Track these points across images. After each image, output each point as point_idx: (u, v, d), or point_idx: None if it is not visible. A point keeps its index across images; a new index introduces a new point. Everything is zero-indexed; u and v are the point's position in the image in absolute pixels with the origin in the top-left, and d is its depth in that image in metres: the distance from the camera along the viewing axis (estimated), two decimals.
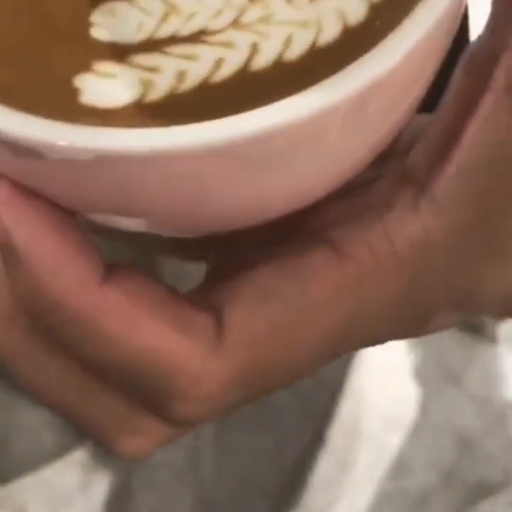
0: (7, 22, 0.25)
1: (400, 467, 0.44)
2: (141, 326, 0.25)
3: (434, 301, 0.27)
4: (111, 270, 0.25)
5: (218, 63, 0.25)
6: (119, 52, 0.25)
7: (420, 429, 0.44)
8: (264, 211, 0.26)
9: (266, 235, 0.27)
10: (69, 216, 0.25)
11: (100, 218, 0.26)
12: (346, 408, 0.43)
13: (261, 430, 0.43)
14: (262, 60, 0.25)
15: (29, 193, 0.25)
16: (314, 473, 0.44)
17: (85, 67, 0.24)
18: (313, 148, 0.24)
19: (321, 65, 0.24)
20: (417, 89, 0.26)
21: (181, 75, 0.24)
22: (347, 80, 0.23)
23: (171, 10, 0.25)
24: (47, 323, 0.25)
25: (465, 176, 0.26)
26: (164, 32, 0.25)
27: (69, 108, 0.24)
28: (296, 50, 0.25)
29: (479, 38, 0.27)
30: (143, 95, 0.24)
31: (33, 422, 0.45)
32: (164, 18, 0.25)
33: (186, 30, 0.25)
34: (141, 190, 0.24)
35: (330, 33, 0.25)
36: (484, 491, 0.44)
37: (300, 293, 0.25)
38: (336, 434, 0.44)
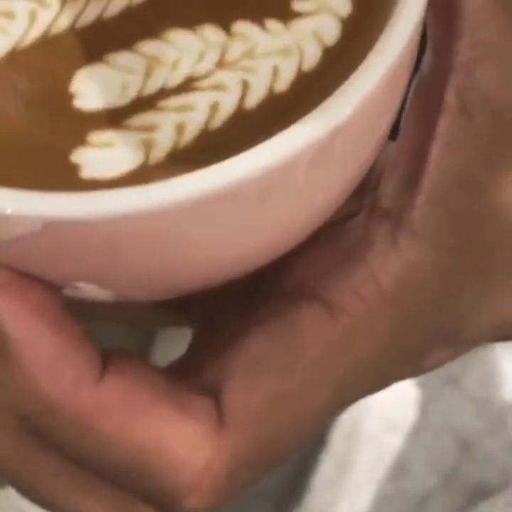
0: None
1: (399, 468, 0.44)
2: (140, 423, 0.24)
3: (427, 337, 0.26)
4: (106, 362, 0.24)
5: (213, 108, 0.24)
6: (111, 118, 0.24)
7: (420, 431, 0.44)
8: (241, 264, 0.25)
9: (248, 288, 0.27)
10: (64, 306, 0.24)
11: (78, 291, 0.25)
12: (346, 410, 0.42)
13: None
14: (255, 97, 0.24)
15: (24, 280, 0.23)
16: (315, 474, 0.44)
17: (79, 141, 0.23)
18: (283, 195, 0.23)
19: (310, 92, 0.24)
20: (385, 123, 0.25)
21: (180, 128, 0.23)
22: (313, 125, 0.22)
23: (153, 63, 0.24)
24: (40, 424, 0.24)
25: (437, 200, 0.25)
26: (152, 87, 0.24)
27: (70, 187, 0.23)
28: (284, 81, 0.24)
29: (425, 61, 0.26)
30: (147, 157, 0.23)
31: None
32: (148, 73, 0.24)
33: (174, 80, 0.24)
34: (114, 253, 0.23)
35: (311, 57, 0.24)
36: (484, 491, 0.44)
37: (295, 358, 0.25)
38: (337, 436, 0.44)
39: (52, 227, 0.22)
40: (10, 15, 0.25)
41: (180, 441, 0.24)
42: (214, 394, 0.24)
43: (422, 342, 0.26)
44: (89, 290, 0.25)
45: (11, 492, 0.41)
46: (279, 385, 0.24)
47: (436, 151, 0.25)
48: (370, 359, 0.25)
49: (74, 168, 0.23)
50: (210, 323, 0.29)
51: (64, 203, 0.22)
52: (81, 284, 0.24)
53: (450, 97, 0.25)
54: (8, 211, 0.22)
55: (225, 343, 0.25)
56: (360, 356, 0.25)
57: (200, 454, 0.24)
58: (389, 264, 0.25)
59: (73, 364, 0.23)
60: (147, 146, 0.23)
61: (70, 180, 0.23)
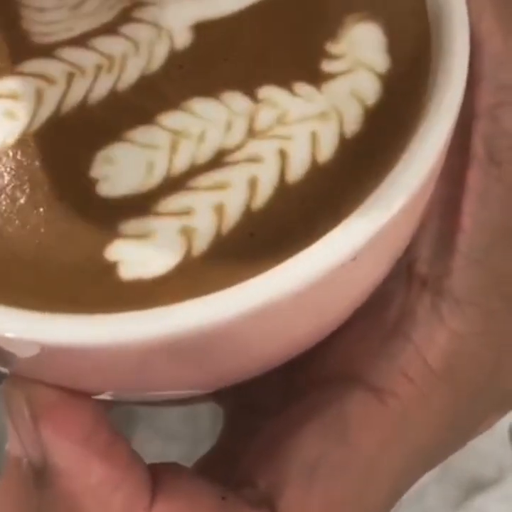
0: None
1: None
2: None
3: (482, 408, 0.24)
4: (157, 482, 0.21)
5: (252, 183, 0.20)
6: (141, 204, 0.20)
7: None
8: (288, 354, 0.22)
9: (284, 371, 0.24)
10: (110, 425, 0.21)
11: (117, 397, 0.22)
12: None
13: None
14: (296, 168, 0.21)
15: (71, 401, 0.20)
16: None
17: (110, 234, 0.20)
18: (344, 284, 0.20)
19: (357, 159, 0.20)
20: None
21: (219, 210, 0.20)
22: (375, 213, 0.19)
23: (177, 137, 0.21)
24: None
25: (477, 261, 0.23)
26: (180, 164, 0.21)
27: (111, 292, 0.19)
28: (326, 147, 0.21)
29: None
30: (189, 248, 0.20)
31: None
32: (174, 148, 0.21)
33: (203, 155, 0.21)
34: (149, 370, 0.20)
35: (352, 119, 0.21)
36: (478, 485, 0.42)
37: (349, 456, 0.22)
38: None
39: (101, 352, 0.19)
40: (14, 96, 0.22)
41: None
42: (269, 503, 0.22)
43: (478, 413, 0.24)
44: (128, 396, 0.22)
45: None
46: (337, 486, 0.22)
47: (468, 206, 0.23)
48: (425, 442, 0.23)
49: (111, 269, 0.20)
50: (244, 406, 0.25)
51: (116, 326, 0.18)
52: (124, 393, 0.21)
53: (477, 147, 0.23)
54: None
55: (273, 443, 0.23)
56: (415, 441, 0.23)
57: None
58: (435, 339, 0.23)
59: (123, 493, 0.21)
60: (187, 235, 0.20)
61: (109, 282, 0.19)
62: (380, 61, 0.21)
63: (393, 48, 0.22)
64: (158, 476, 0.22)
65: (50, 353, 0.19)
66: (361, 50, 0.22)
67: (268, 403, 0.25)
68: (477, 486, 0.42)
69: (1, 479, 0.22)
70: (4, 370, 0.21)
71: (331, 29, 0.22)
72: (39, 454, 0.20)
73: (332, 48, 0.22)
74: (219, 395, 0.27)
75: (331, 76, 0.22)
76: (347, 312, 0.22)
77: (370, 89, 0.21)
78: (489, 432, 0.42)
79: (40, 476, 0.21)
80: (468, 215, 0.23)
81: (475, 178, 0.23)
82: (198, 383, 0.22)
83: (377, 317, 0.23)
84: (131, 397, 0.23)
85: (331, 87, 0.21)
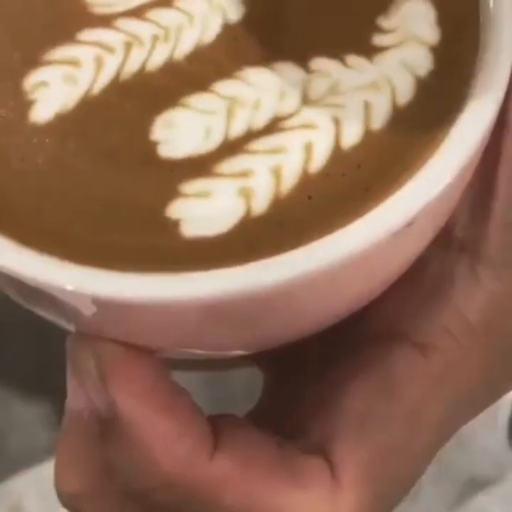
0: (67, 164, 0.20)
1: None
2: (258, 495, 0.21)
3: None
4: (217, 433, 0.22)
5: (308, 148, 0.21)
6: (200, 165, 0.20)
7: None
8: (340, 315, 0.22)
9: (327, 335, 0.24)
10: (175, 382, 0.21)
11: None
12: None
13: None
14: (351, 134, 0.21)
15: (136, 357, 0.20)
16: None
17: (172, 193, 0.20)
18: (402, 246, 0.21)
19: (409, 129, 0.21)
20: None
21: (277, 172, 0.20)
22: (430, 182, 0.20)
23: (233, 104, 0.21)
24: (157, 500, 0.21)
25: (511, 225, 0.23)
26: (237, 129, 0.21)
27: (173, 248, 0.19)
28: (380, 116, 0.21)
29: None
30: (248, 208, 0.20)
31: (29, 419, 0.43)
32: (230, 115, 0.21)
33: (259, 121, 0.21)
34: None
35: (404, 90, 0.21)
36: (477, 485, 0.43)
37: (396, 407, 0.23)
38: None
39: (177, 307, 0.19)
40: (75, 62, 0.22)
41: (299, 507, 0.21)
42: (323, 452, 0.22)
43: (511, 369, 0.25)
44: (188, 353, 0.22)
45: (7, 485, 0.40)
46: (385, 436, 0.23)
47: (504, 174, 0.23)
48: (466, 393, 0.24)
49: (172, 225, 0.20)
50: (286, 368, 0.26)
51: (192, 283, 0.18)
52: (181, 353, 0.21)
53: None
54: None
55: (323, 398, 0.23)
56: (456, 392, 0.24)
57: None
58: (473, 298, 0.23)
59: (188, 440, 0.21)
60: (246, 196, 0.20)
61: (171, 239, 0.19)
62: (430, 34, 0.22)
63: (443, 22, 0.22)
64: (218, 427, 0.22)
65: (112, 309, 0.19)
66: (412, 24, 0.22)
67: (306, 366, 0.25)
68: (475, 485, 0.43)
69: (63, 432, 0.22)
70: (70, 327, 0.21)
71: (383, 4, 0.22)
72: (106, 406, 0.20)
73: (383, 22, 0.22)
74: (259, 360, 0.27)
75: (382, 49, 0.22)
76: (398, 274, 0.22)
77: (420, 61, 0.21)
78: (487, 429, 0.42)
79: (105, 426, 0.21)
80: (503, 184, 0.23)
81: (510, 148, 0.23)
82: (252, 343, 0.22)
83: (418, 278, 0.23)
84: (184, 356, 0.23)
85: (383, 58, 0.22)
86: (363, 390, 0.23)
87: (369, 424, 0.22)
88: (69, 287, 0.18)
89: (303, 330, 0.22)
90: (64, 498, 0.22)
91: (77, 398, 0.21)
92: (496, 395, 0.25)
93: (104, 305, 0.19)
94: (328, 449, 0.22)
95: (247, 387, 0.37)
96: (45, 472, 0.41)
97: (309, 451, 0.22)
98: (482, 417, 0.41)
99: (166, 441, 0.20)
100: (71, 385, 0.21)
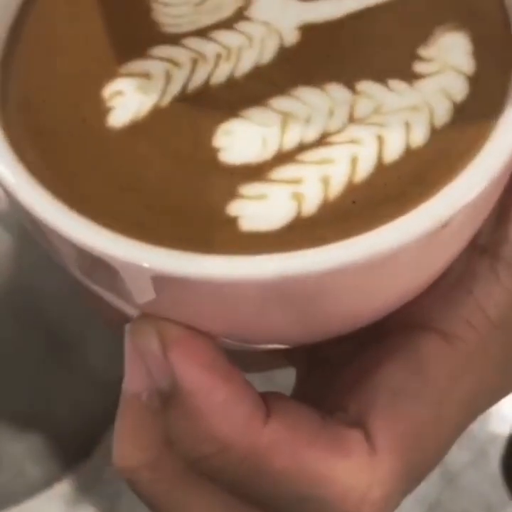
0: (138, 162, 0.23)
1: None
2: (306, 459, 0.23)
3: None
4: (268, 404, 0.24)
5: (354, 161, 0.23)
6: (257, 171, 0.23)
7: None
8: (383, 311, 0.25)
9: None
10: (228, 356, 0.23)
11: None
12: None
13: None
14: (392, 150, 0.23)
15: (193, 334, 0.23)
16: None
17: (232, 194, 0.22)
18: (438, 248, 0.23)
19: (447, 149, 0.23)
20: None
21: (326, 181, 0.23)
22: (469, 184, 0.22)
23: (287, 118, 0.24)
24: (214, 464, 0.23)
25: None
26: (290, 141, 0.23)
27: (232, 240, 0.21)
28: (419, 135, 0.23)
29: None
30: (299, 211, 0.22)
31: (17, 455, 0.42)
32: (284, 128, 0.23)
33: (310, 135, 0.23)
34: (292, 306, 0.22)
35: (442, 113, 0.23)
36: None
37: (426, 386, 0.25)
38: None
39: (230, 286, 0.21)
40: (147, 75, 0.24)
41: (342, 472, 0.23)
42: (361, 425, 0.24)
43: None
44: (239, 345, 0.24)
45: None
46: (416, 411, 0.25)
47: None
48: (487, 378, 0.26)
49: (232, 221, 0.22)
50: (316, 361, 0.28)
51: (242, 264, 0.21)
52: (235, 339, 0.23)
53: None
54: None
55: (358, 377, 0.25)
56: (479, 377, 0.26)
57: (359, 484, 0.24)
58: (493, 294, 0.26)
59: (243, 408, 0.23)
60: (297, 199, 0.22)
61: (230, 232, 0.22)
62: (466, 64, 0.24)
63: (478, 53, 0.24)
64: (270, 399, 0.24)
65: (180, 288, 0.21)
66: (449, 54, 0.24)
67: (336, 356, 0.27)
68: None
69: (120, 412, 0.24)
70: (132, 311, 0.23)
71: (423, 36, 0.25)
72: (168, 380, 0.22)
73: (423, 52, 0.24)
74: (291, 356, 0.29)
75: (422, 75, 0.24)
76: (439, 271, 0.24)
77: (457, 87, 0.24)
78: (478, 467, 0.43)
79: (166, 399, 0.23)
80: None
81: None
82: (295, 335, 0.24)
83: (443, 274, 0.26)
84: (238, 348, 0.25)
85: (422, 84, 0.24)
86: (394, 369, 0.25)
87: (401, 399, 0.25)
88: (145, 265, 0.21)
89: (344, 323, 0.24)
90: (125, 472, 0.24)
91: (136, 379, 0.23)
92: (510, 386, 0.27)
93: (172, 284, 0.21)
94: (364, 421, 0.24)
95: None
96: (33, 509, 0.41)
97: (348, 423, 0.24)
98: (473, 455, 0.43)
99: (225, 408, 0.22)
100: (130, 367, 0.23)
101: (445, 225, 0.21)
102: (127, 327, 0.24)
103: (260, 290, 0.21)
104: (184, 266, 0.20)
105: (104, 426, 0.42)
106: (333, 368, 0.27)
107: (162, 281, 0.21)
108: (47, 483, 0.42)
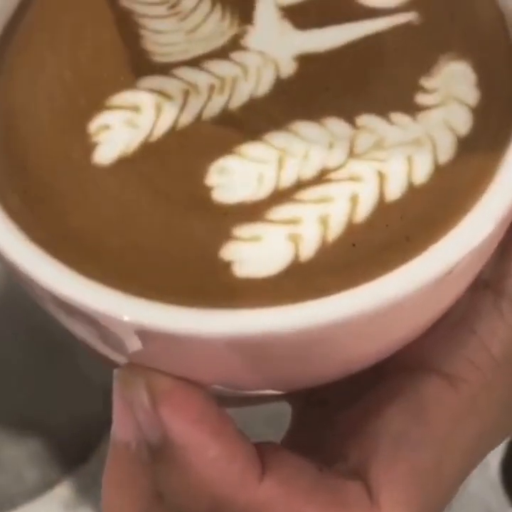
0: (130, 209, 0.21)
1: None
2: None
3: None
4: (263, 457, 0.23)
5: (354, 199, 0.22)
6: (252, 211, 0.21)
7: None
8: (380, 357, 0.24)
9: None
10: (223, 409, 0.22)
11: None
12: None
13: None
14: (394, 187, 0.22)
15: (185, 387, 0.21)
16: None
17: (226, 235, 0.21)
18: (439, 296, 0.22)
19: (451, 185, 0.22)
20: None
21: (324, 221, 0.21)
22: (475, 229, 0.21)
23: (284, 154, 0.22)
24: None
25: None
26: (287, 179, 0.22)
27: (226, 286, 0.20)
28: (422, 171, 0.22)
29: None
30: (296, 255, 0.21)
31: (15, 459, 0.42)
32: (281, 164, 0.22)
33: (308, 172, 0.22)
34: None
35: (445, 147, 0.22)
36: None
37: (428, 432, 0.24)
38: None
39: (232, 344, 0.20)
40: (136, 108, 0.23)
41: None
42: (361, 476, 0.23)
43: None
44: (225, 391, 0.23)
45: None
46: (418, 459, 0.24)
47: None
48: (491, 418, 0.25)
49: (225, 266, 0.21)
50: (313, 401, 0.27)
51: (243, 320, 0.19)
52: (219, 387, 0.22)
53: None
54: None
55: (358, 422, 0.24)
56: (483, 419, 0.25)
57: None
58: (497, 331, 0.25)
59: (237, 464, 0.22)
60: (294, 241, 0.21)
61: (223, 279, 0.20)
62: (471, 95, 0.23)
63: (483, 84, 0.23)
64: (263, 452, 0.23)
65: (164, 342, 0.20)
66: (453, 86, 0.23)
67: (335, 398, 0.26)
68: None
69: (109, 462, 0.23)
70: (120, 359, 0.22)
71: (426, 66, 0.23)
72: (158, 433, 0.21)
73: (426, 82, 0.23)
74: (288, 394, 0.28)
75: (425, 107, 0.23)
76: (439, 316, 0.23)
77: (461, 120, 0.23)
78: (478, 474, 0.42)
79: (156, 453, 0.21)
80: None
81: None
82: (292, 382, 0.23)
83: (446, 312, 0.24)
84: (230, 394, 0.24)
85: (425, 117, 0.23)
86: (396, 415, 0.24)
87: (403, 448, 0.23)
88: (126, 319, 0.19)
89: (343, 369, 0.23)
90: None
91: (125, 429, 0.22)
92: None
93: (157, 338, 0.20)
94: (364, 472, 0.23)
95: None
96: None
97: (347, 474, 0.23)
98: None
99: (218, 464, 0.21)
100: (119, 415, 0.22)
101: (451, 272, 0.20)
102: (115, 373, 0.22)
103: (254, 347, 0.19)
104: (170, 321, 0.19)
105: (102, 431, 0.42)
106: (331, 410, 0.26)
107: (147, 335, 0.20)
108: (45, 487, 0.42)
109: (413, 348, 0.24)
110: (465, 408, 0.24)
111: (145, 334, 0.20)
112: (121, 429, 0.22)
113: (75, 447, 0.43)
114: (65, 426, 0.43)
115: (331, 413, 0.26)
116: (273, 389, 0.24)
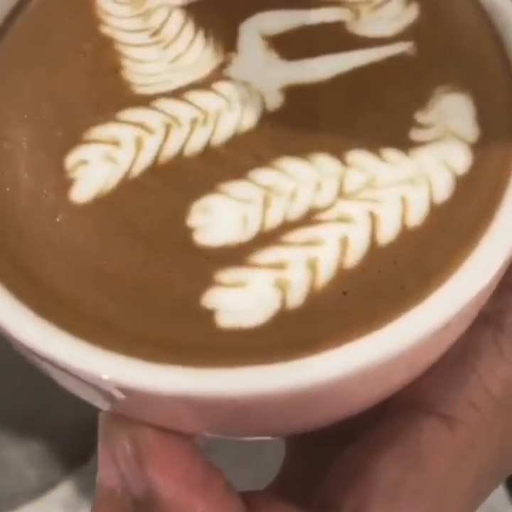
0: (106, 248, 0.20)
1: None
2: None
3: None
4: (251, 509, 0.22)
5: (344, 242, 0.20)
6: (236, 255, 0.20)
7: None
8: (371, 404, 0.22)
9: None
10: (209, 462, 0.21)
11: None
12: None
13: (241, 466, 0.39)
14: (387, 230, 0.21)
15: (171, 437, 0.20)
16: None
17: (208, 281, 0.20)
18: (435, 347, 0.21)
19: (448, 227, 0.20)
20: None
21: (313, 266, 0.20)
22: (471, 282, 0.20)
23: (270, 194, 0.21)
24: None
25: None
26: (273, 219, 0.21)
27: (209, 339, 0.19)
28: (416, 213, 0.21)
29: None
30: (283, 302, 0.19)
31: (16, 459, 0.42)
32: (267, 204, 0.21)
33: (295, 212, 0.21)
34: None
35: (442, 186, 0.21)
36: None
37: (425, 480, 0.23)
38: None
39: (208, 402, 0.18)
40: (116, 142, 0.22)
41: None
42: None
43: None
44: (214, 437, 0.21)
45: None
46: (416, 507, 0.23)
47: None
48: (490, 464, 0.24)
49: (208, 315, 0.19)
50: (306, 438, 0.25)
51: (219, 380, 0.18)
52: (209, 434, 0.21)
53: None
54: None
55: (354, 468, 0.23)
56: (482, 462, 0.24)
57: None
58: (497, 369, 0.24)
59: None
60: (282, 288, 0.20)
61: (206, 330, 0.19)
62: (468, 130, 0.22)
63: (482, 118, 0.22)
64: (251, 504, 0.22)
65: (146, 399, 0.19)
66: (450, 120, 0.22)
67: (329, 437, 0.25)
68: None
69: (95, 507, 0.22)
70: (104, 407, 0.21)
71: (421, 99, 0.22)
72: (143, 487, 0.20)
73: (421, 117, 0.22)
74: None
75: (420, 144, 0.22)
76: (433, 363, 0.22)
77: (459, 158, 0.21)
78: None
79: (140, 505, 0.21)
80: None
81: None
82: (282, 432, 0.22)
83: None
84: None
85: (420, 154, 0.21)
86: (392, 461, 0.23)
87: (401, 495, 0.22)
88: (104, 376, 0.18)
89: (337, 419, 0.22)
90: None
91: (110, 476, 0.21)
92: None
93: (137, 395, 0.18)
94: None
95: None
96: None
97: None
98: None
99: None
100: (104, 462, 0.21)
101: (447, 326, 0.19)
102: (100, 417, 0.21)
103: (239, 406, 0.18)
104: (148, 379, 0.18)
105: None
106: (325, 452, 0.24)
107: (127, 391, 0.18)
108: (45, 487, 0.42)
109: (411, 388, 0.23)
110: (464, 452, 0.23)
111: (123, 390, 0.18)
112: (107, 475, 0.21)
113: (75, 448, 0.43)
114: (66, 426, 0.43)
115: (324, 456, 0.24)
116: (262, 436, 0.23)
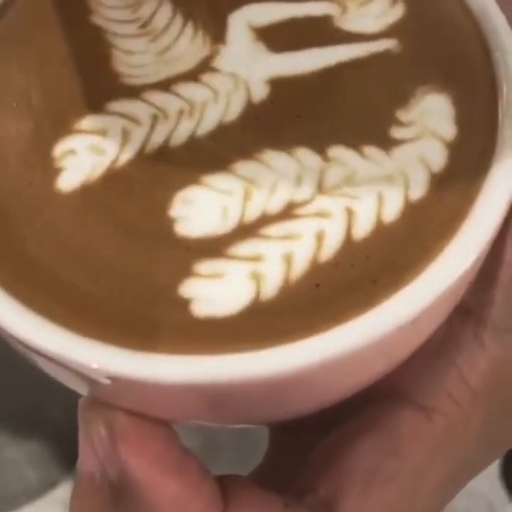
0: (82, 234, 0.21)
1: None
2: None
3: None
4: (226, 492, 0.22)
5: (320, 237, 0.21)
6: (215, 246, 0.21)
7: None
8: (353, 391, 0.23)
9: None
10: (181, 445, 0.22)
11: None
12: None
13: (241, 466, 0.40)
14: (362, 225, 0.21)
15: (146, 422, 0.21)
16: None
17: (186, 271, 0.20)
18: (410, 338, 0.22)
19: (422, 225, 0.21)
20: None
21: (288, 259, 0.21)
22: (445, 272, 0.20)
23: (250, 186, 0.22)
24: None
25: None
26: (253, 212, 0.21)
27: (184, 326, 0.20)
28: (392, 209, 0.21)
29: None
30: (257, 294, 0.20)
31: (15, 459, 0.43)
32: (247, 197, 0.22)
33: (274, 206, 0.21)
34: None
35: (418, 184, 0.21)
36: None
37: (401, 467, 0.23)
38: None
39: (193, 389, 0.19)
40: (103, 133, 0.22)
41: None
42: (330, 509, 0.23)
43: (510, 427, 0.25)
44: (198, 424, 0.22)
45: None
46: (390, 493, 0.23)
47: (510, 244, 0.23)
48: (467, 454, 0.24)
49: (184, 304, 0.20)
50: (289, 428, 0.26)
51: (202, 367, 0.19)
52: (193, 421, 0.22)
53: None
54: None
55: (332, 454, 0.24)
56: (458, 453, 0.24)
57: None
58: (477, 363, 0.24)
59: (198, 502, 0.21)
60: (257, 280, 0.20)
61: (182, 318, 0.20)
62: (448, 130, 0.22)
63: (461, 119, 0.22)
64: (226, 488, 0.22)
65: (124, 386, 0.19)
66: (430, 119, 0.22)
67: (310, 425, 0.25)
68: None
69: (75, 493, 0.22)
70: (83, 392, 0.21)
71: (403, 98, 0.23)
72: (117, 470, 0.21)
73: (402, 115, 0.22)
74: None
75: (399, 142, 0.22)
76: (406, 358, 0.22)
77: (436, 157, 0.22)
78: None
79: (117, 489, 0.21)
80: (510, 249, 0.23)
81: None
82: (258, 420, 0.23)
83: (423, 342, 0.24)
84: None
85: (399, 152, 0.22)
86: (369, 448, 0.23)
87: (375, 481, 0.23)
88: (81, 361, 0.19)
89: (314, 408, 0.22)
90: None
91: (89, 461, 0.22)
92: (495, 454, 0.26)
93: (116, 381, 0.19)
94: (334, 504, 0.23)
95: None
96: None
97: (316, 508, 0.23)
98: None
99: (178, 503, 0.21)
100: (83, 448, 0.22)
101: (415, 320, 0.19)
102: (79, 403, 0.22)
103: (212, 393, 0.19)
104: (125, 366, 0.19)
105: None
106: (305, 440, 0.25)
107: (103, 376, 0.19)
108: (45, 487, 0.42)
109: (391, 378, 0.24)
110: (441, 442, 0.24)
111: (100, 375, 0.19)
112: (86, 460, 0.22)
113: (75, 448, 0.42)
114: (66, 426, 0.43)
115: (305, 443, 0.25)
116: (240, 424, 0.24)
